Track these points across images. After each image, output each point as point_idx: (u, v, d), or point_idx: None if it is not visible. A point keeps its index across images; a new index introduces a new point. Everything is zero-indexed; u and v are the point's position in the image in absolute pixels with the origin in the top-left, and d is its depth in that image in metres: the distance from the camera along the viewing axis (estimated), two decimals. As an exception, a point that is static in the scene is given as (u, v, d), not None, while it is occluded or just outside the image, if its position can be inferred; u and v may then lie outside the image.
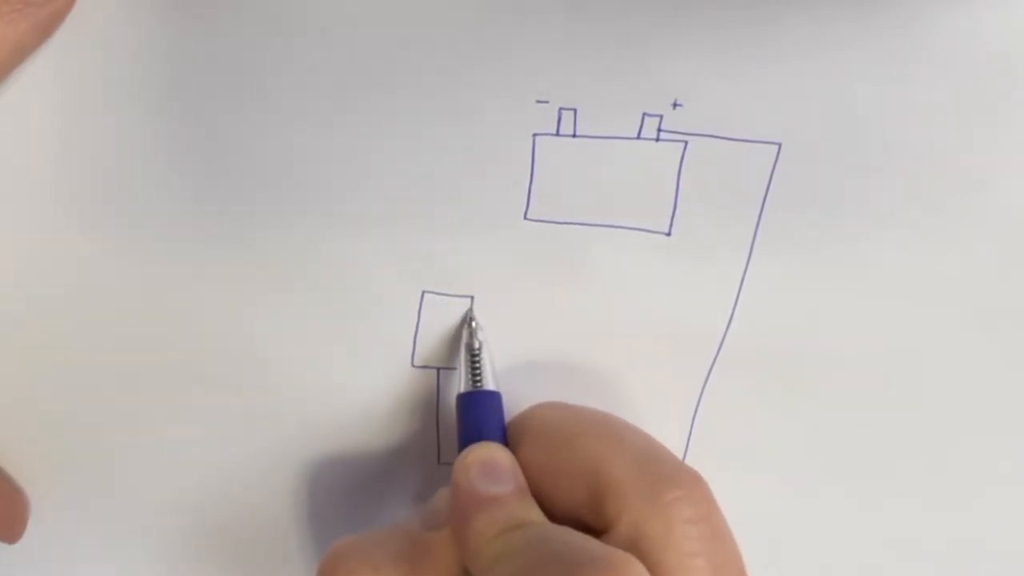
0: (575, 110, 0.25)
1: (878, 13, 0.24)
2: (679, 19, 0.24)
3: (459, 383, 0.26)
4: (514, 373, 0.28)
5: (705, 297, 0.27)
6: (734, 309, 0.27)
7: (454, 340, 0.27)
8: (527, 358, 0.28)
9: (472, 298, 0.27)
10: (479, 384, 0.26)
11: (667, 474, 0.23)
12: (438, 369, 0.28)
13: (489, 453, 0.24)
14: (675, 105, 0.25)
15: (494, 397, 0.26)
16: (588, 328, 0.27)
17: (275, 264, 0.26)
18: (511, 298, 0.27)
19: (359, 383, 0.28)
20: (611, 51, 0.24)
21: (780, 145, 0.25)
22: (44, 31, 0.23)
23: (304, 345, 0.27)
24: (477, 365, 0.26)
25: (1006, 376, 0.28)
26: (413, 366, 0.27)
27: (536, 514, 0.23)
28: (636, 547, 0.21)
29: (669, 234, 0.26)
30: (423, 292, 0.27)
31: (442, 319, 0.27)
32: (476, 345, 0.26)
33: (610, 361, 0.28)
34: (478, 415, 0.26)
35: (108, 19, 0.23)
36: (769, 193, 0.26)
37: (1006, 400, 0.29)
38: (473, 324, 0.27)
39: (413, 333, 0.27)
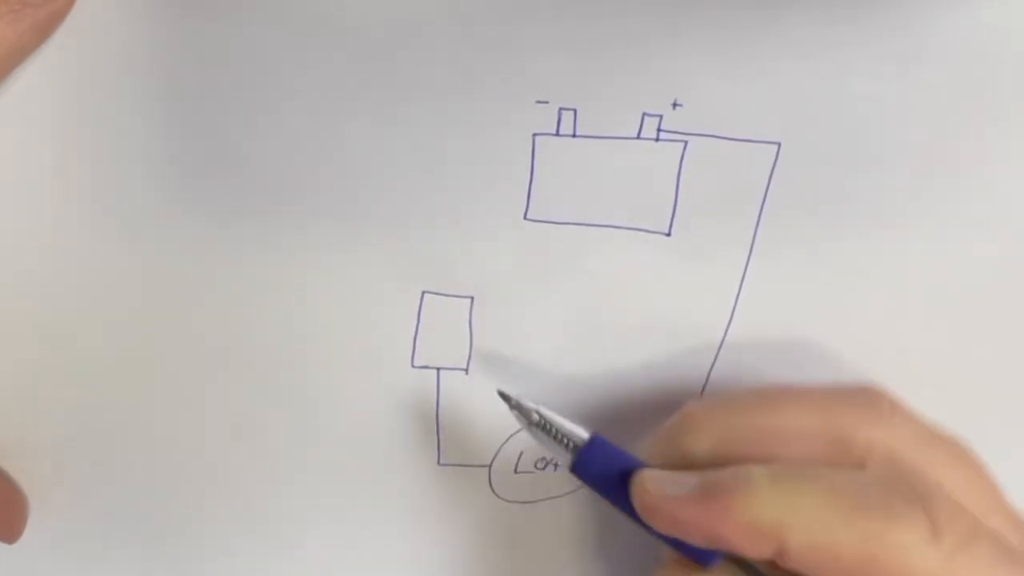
0: (575, 110, 0.25)
1: (878, 13, 0.24)
2: (679, 19, 0.24)
3: (561, 459, 0.25)
4: (514, 373, 0.28)
5: (705, 297, 0.27)
6: (734, 309, 0.27)
7: (455, 342, 0.27)
8: (527, 358, 0.28)
9: (472, 298, 0.27)
10: (572, 443, 0.24)
11: (865, 396, 0.24)
12: (438, 369, 0.28)
13: (653, 472, 0.24)
14: (675, 105, 0.25)
15: (595, 445, 0.24)
16: (588, 328, 0.27)
17: (275, 263, 0.26)
18: (511, 298, 0.27)
19: (359, 383, 0.28)
20: (611, 51, 0.24)
21: (780, 145, 0.25)
22: (44, 31, 0.23)
23: (304, 345, 0.27)
24: (552, 430, 0.25)
25: (1006, 376, 0.28)
26: (413, 366, 0.27)
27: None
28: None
29: (669, 234, 0.26)
30: (423, 292, 0.27)
31: (442, 319, 0.27)
32: (535, 417, 0.25)
33: (610, 361, 0.28)
34: (604, 464, 0.24)
35: (108, 19, 0.23)
36: (769, 193, 0.26)
37: (1006, 400, 0.29)
38: (513, 401, 0.25)
39: (413, 333, 0.27)
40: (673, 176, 0.26)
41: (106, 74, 0.24)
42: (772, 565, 0.22)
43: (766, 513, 0.21)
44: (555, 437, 0.25)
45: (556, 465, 0.29)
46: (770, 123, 0.25)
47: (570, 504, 0.30)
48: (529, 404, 0.25)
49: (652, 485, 0.23)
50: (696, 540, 0.22)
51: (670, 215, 0.26)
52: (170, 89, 0.24)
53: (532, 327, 0.27)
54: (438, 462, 0.29)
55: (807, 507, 0.21)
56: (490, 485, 0.29)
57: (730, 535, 0.22)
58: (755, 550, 0.22)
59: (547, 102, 0.24)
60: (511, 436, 0.29)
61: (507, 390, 0.26)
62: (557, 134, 0.25)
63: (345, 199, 0.25)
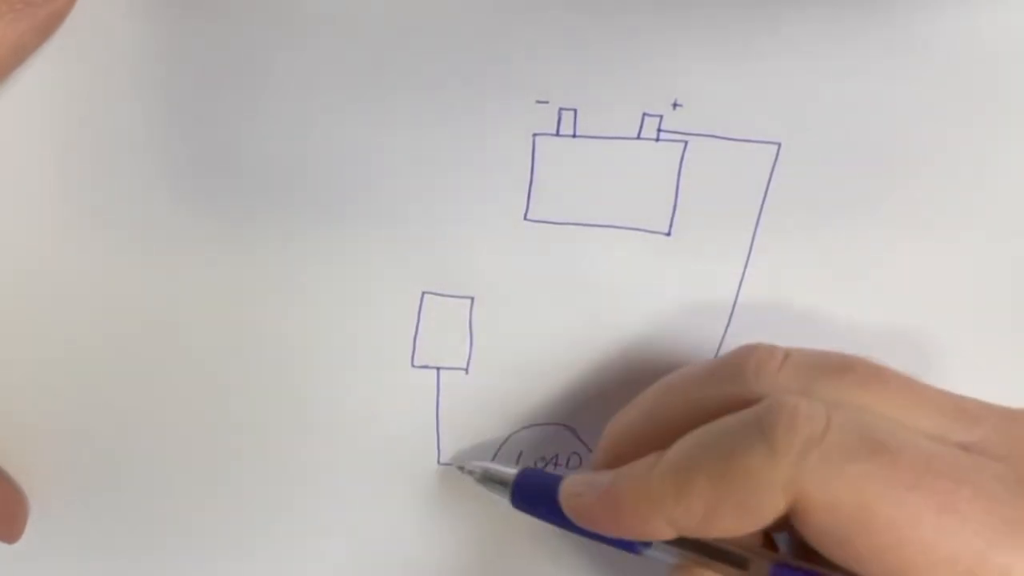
0: (575, 110, 0.25)
1: (877, 13, 0.24)
2: (679, 19, 0.24)
3: (502, 501, 0.26)
4: (514, 373, 0.28)
5: (705, 297, 0.27)
6: (733, 309, 0.27)
7: (455, 342, 0.27)
8: (527, 358, 0.28)
9: (472, 298, 0.27)
10: (504, 482, 0.26)
11: (733, 361, 0.23)
12: (438, 369, 0.28)
13: (575, 477, 0.25)
14: (675, 105, 0.25)
15: (524, 476, 0.26)
16: (588, 328, 0.27)
17: (275, 264, 0.26)
18: (511, 298, 0.27)
19: (359, 383, 0.28)
20: (611, 51, 0.24)
21: (780, 145, 0.25)
22: (44, 31, 0.23)
23: (304, 345, 0.27)
24: (494, 476, 0.27)
25: (1007, 376, 0.28)
26: (413, 366, 0.27)
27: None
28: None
29: (669, 234, 0.26)
30: (423, 292, 0.27)
31: (442, 319, 0.27)
32: (479, 473, 0.27)
33: (610, 361, 0.28)
34: (536, 490, 0.26)
35: (108, 19, 0.23)
36: (769, 193, 0.26)
37: (1006, 400, 0.29)
38: (463, 468, 0.28)
39: (413, 333, 0.27)
40: (673, 176, 0.26)
41: (106, 74, 0.24)
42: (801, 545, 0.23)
43: (644, 501, 0.22)
44: (497, 481, 0.27)
45: (556, 465, 0.29)
46: (770, 123, 0.25)
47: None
48: (474, 464, 0.27)
49: (570, 487, 0.24)
50: (611, 532, 0.23)
51: (670, 215, 0.26)
52: (170, 89, 0.24)
53: (532, 327, 0.27)
54: (438, 462, 0.29)
55: (673, 484, 0.22)
56: (490, 485, 0.29)
57: (625, 522, 0.23)
58: (653, 533, 0.22)
59: (547, 102, 0.24)
60: (511, 436, 0.29)
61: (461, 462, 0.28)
62: (557, 134, 0.25)
63: (345, 199, 0.25)
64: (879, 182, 0.26)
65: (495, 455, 0.29)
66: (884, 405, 0.22)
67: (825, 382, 0.22)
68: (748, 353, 0.23)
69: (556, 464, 0.29)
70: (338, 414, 0.28)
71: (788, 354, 0.23)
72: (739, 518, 0.21)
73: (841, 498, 0.19)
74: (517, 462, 0.29)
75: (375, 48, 0.24)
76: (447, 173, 0.25)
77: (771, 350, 0.23)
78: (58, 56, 0.23)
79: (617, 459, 0.24)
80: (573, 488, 0.24)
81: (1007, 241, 0.27)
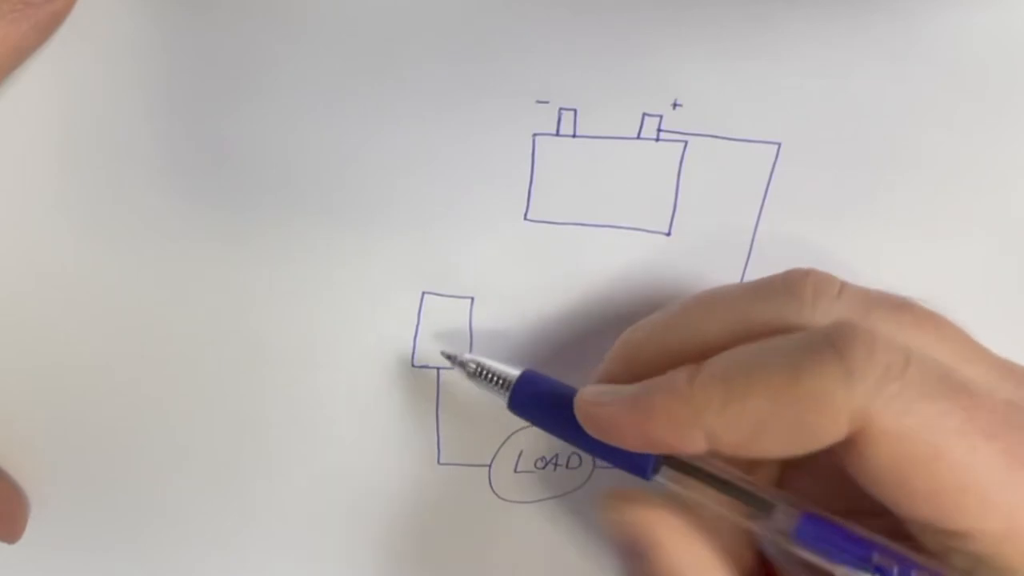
0: (575, 110, 0.25)
1: (877, 13, 0.24)
2: (679, 19, 0.24)
3: (499, 401, 0.26)
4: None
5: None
6: (734, 309, 0.27)
7: (455, 342, 0.27)
8: (527, 358, 0.28)
9: (472, 298, 0.27)
10: (505, 382, 0.25)
11: (789, 283, 0.22)
12: (438, 369, 0.28)
13: (592, 387, 0.24)
14: (675, 105, 0.25)
15: (525, 379, 0.25)
16: (588, 328, 0.27)
17: (275, 264, 0.26)
18: (511, 298, 0.27)
19: (359, 383, 0.28)
20: (611, 51, 0.24)
21: (780, 145, 0.25)
22: (44, 31, 0.23)
23: (304, 345, 0.27)
24: (487, 374, 0.26)
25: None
26: (413, 366, 0.27)
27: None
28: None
29: (669, 234, 0.26)
30: (423, 292, 0.27)
31: (442, 319, 0.27)
32: (473, 368, 0.26)
33: (610, 361, 0.28)
34: (536, 394, 0.25)
35: (108, 19, 0.23)
36: (768, 193, 0.26)
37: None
38: (456, 358, 0.26)
39: (413, 333, 0.27)
40: (673, 176, 0.26)
41: (106, 74, 0.24)
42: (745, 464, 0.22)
43: (683, 409, 0.21)
44: (492, 382, 0.25)
45: (556, 465, 0.29)
46: (770, 123, 0.25)
47: (570, 504, 0.30)
48: (467, 356, 0.26)
49: (591, 395, 0.23)
50: (632, 444, 0.22)
51: (670, 215, 0.26)
52: (170, 88, 0.24)
53: (532, 327, 0.27)
54: (438, 462, 0.29)
55: (720, 395, 0.21)
56: (490, 485, 0.29)
57: (656, 432, 0.22)
58: (685, 445, 0.21)
59: (547, 102, 0.24)
60: (511, 436, 0.29)
61: (451, 351, 0.27)
62: (557, 134, 0.25)
63: (345, 199, 0.25)
64: (879, 182, 0.26)
65: (495, 455, 0.29)
66: (938, 349, 0.21)
67: (884, 315, 0.21)
68: (803, 276, 0.22)
69: (556, 464, 0.29)
70: (338, 414, 0.28)
71: (844, 285, 0.22)
72: (790, 439, 0.20)
73: (914, 433, 0.19)
74: (517, 462, 0.29)
75: (376, 48, 0.24)
76: (447, 173, 0.25)
77: (829, 277, 0.22)
78: (58, 56, 0.23)
79: (630, 371, 0.23)
80: (594, 396, 0.23)
81: (1007, 240, 0.27)
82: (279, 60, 0.24)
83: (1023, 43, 0.24)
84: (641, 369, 0.23)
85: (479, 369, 0.26)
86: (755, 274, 0.27)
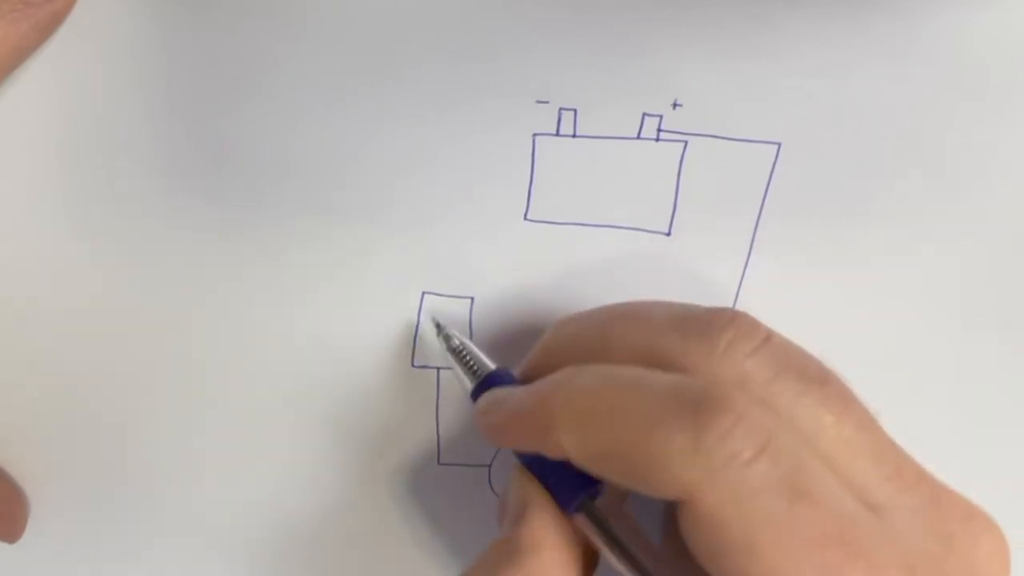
0: (575, 110, 0.25)
1: (877, 13, 0.24)
2: (679, 19, 0.24)
3: (464, 386, 0.26)
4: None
5: (705, 297, 0.27)
6: (733, 308, 0.27)
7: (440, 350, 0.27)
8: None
9: (472, 298, 0.27)
10: (480, 372, 0.25)
11: (708, 324, 0.22)
12: (438, 369, 0.28)
13: (497, 390, 0.24)
14: (675, 105, 0.25)
15: (497, 375, 0.25)
16: (588, 328, 0.27)
17: (275, 264, 0.26)
18: (511, 298, 0.27)
19: (359, 383, 0.28)
20: (611, 51, 0.24)
21: (780, 145, 0.25)
22: (44, 31, 0.23)
23: (304, 345, 0.27)
24: (468, 360, 0.26)
25: (1006, 377, 0.28)
26: (413, 366, 0.27)
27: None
28: None
29: (669, 234, 0.26)
30: (423, 292, 0.27)
31: (442, 319, 0.27)
32: (457, 344, 0.26)
33: (610, 361, 0.28)
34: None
35: (108, 19, 0.23)
36: (769, 193, 0.26)
37: (1006, 401, 0.29)
38: (442, 329, 0.26)
39: (413, 333, 0.27)
40: (673, 176, 0.26)
41: (106, 74, 0.24)
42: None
43: (542, 419, 0.22)
44: (468, 365, 0.26)
45: None
46: (770, 123, 0.25)
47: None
48: (454, 332, 0.26)
49: (483, 406, 0.24)
50: (509, 444, 0.23)
51: (670, 215, 0.26)
52: (170, 88, 0.24)
53: (532, 327, 0.27)
54: (438, 462, 0.29)
55: (577, 418, 0.21)
56: (490, 485, 0.29)
57: (519, 437, 0.23)
58: (547, 450, 0.22)
59: (547, 102, 0.24)
60: (511, 436, 0.29)
61: (443, 321, 0.27)
62: (557, 134, 0.25)
63: (345, 199, 0.25)
64: (879, 182, 0.26)
65: (495, 455, 0.29)
66: (831, 434, 0.21)
67: (790, 385, 0.21)
68: (726, 322, 0.22)
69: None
70: (338, 414, 0.28)
71: (768, 338, 0.22)
72: (629, 480, 0.20)
73: (734, 524, 0.19)
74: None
75: (376, 48, 0.24)
76: (447, 173, 0.25)
77: (752, 328, 0.22)
78: (58, 56, 0.23)
79: (549, 366, 0.23)
80: (483, 406, 0.24)
81: (1007, 241, 0.27)
82: (279, 60, 0.24)
83: (1023, 43, 0.24)
84: (557, 362, 0.23)
85: (461, 349, 0.26)
86: (755, 274, 0.27)
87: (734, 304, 0.27)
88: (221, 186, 0.25)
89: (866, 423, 0.21)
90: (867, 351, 0.28)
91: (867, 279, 0.27)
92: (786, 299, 0.27)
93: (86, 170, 0.25)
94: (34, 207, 0.25)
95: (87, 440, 0.28)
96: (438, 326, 0.27)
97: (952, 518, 0.20)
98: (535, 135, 0.25)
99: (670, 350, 0.22)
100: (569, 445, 0.21)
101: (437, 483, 0.29)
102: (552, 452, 0.22)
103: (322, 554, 0.30)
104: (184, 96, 0.24)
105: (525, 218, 0.26)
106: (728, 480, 0.19)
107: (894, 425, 0.29)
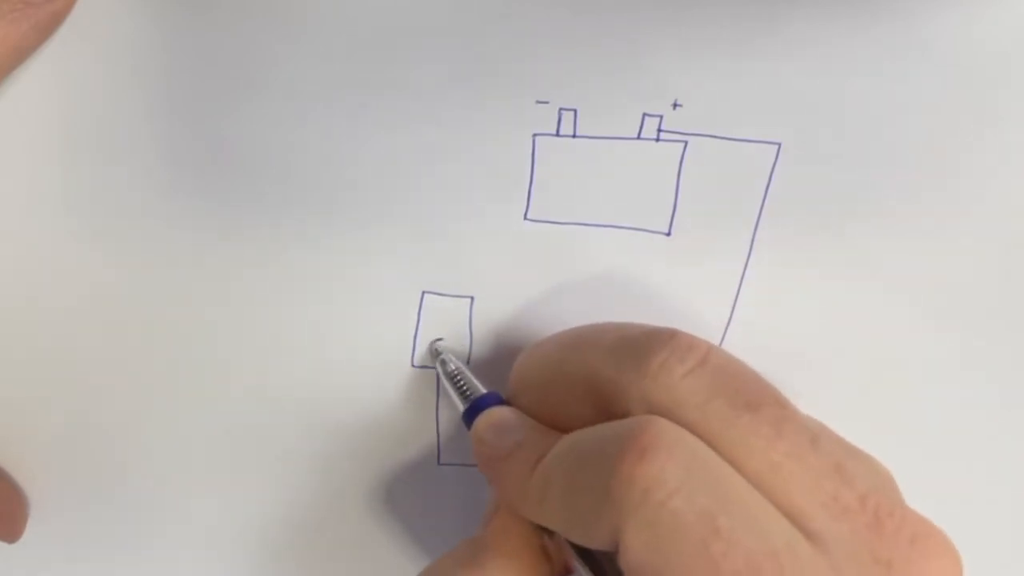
0: (575, 110, 0.25)
1: (877, 13, 0.24)
2: (679, 19, 0.24)
3: (457, 406, 0.26)
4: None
5: (705, 297, 0.27)
6: (733, 309, 0.27)
7: (455, 342, 0.27)
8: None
9: (472, 298, 0.27)
10: (471, 395, 0.26)
11: (643, 346, 0.22)
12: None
13: (493, 414, 0.25)
14: (675, 105, 0.25)
15: (490, 397, 0.26)
16: (588, 328, 0.27)
17: (275, 264, 0.26)
18: (511, 298, 0.27)
19: (359, 383, 0.28)
20: (611, 51, 0.24)
21: (780, 145, 0.25)
22: (44, 31, 0.23)
23: (304, 345, 0.27)
24: (461, 383, 0.26)
25: (1006, 377, 0.28)
26: (413, 366, 0.27)
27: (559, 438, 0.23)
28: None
29: (669, 234, 0.26)
30: (423, 292, 0.27)
31: (442, 319, 0.27)
32: (452, 368, 0.26)
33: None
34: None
35: (108, 19, 0.23)
36: (769, 193, 0.26)
37: (1006, 401, 0.29)
38: (440, 353, 0.27)
39: (413, 333, 0.27)
40: (673, 176, 0.26)
41: (106, 74, 0.24)
42: None
43: (519, 495, 0.23)
44: (460, 389, 0.26)
45: None
46: (770, 123, 0.25)
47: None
48: (451, 358, 0.27)
49: (476, 435, 0.25)
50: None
51: (670, 215, 0.26)
52: (170, 88, 0.24)
53: (532, 327, 0.27)
54: (438, 462, 0.29)
55: (542, 493, 0.22)
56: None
57: (511, 506, 0.23)
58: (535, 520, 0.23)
59: (547, 102, 0.24)
60: (511, 436, 0.29)
61: (440, 346, 0.27)
62: (557, 134, 0.25)
63: (344, 199, 0.25)
64: (879, 182, 0.26)
65: (495, 455, 0.29)
66: (760, 460, 0.20)
67: (722, 410, 0.21)
68: (662, 343, 0.21)
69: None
70: (338, 414, 0.28)
71: (704, 359, 0.21)
72: (584, 540, 0.21)
73: (651, 565, 0.19)
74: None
75: (376, 48, 0.24)
76: (447, 173, 0.25)
77: (687, 350, 0.21)
78: (58, 56, 0.24)
79: (521, 392, 0.25)
80: (481, 432, 0.24)
81: (1007, 241, 0.27)
82: (279, 60, 0.24)
83: (1023, 43, 0.24)
84: (531, 394, 0.25)
85: (456, 374, 0.26)
86: (755, 274, 0.27)
87: (734, 304, 0.27)
88: (221, 186, 0.25)
89: (800, 448, 0.20)
90: (867, 351, 0.28)
91: (867, 279, 0.27)
92: (786, 299, 0.27)
93: (86, 170, 0.25)
94: (34, 207, 0.25)
95: (87, 440, 0.28)
96: (436, 352, 0.27)
97: (894, 543, 0.20)
98: (535, 135, 0.25)
99: (606, 375, 0.22)
100: (543, 520, 0.22)
101: (437, 483, 0.29)
102: (534, 519, 0.23)
103: (322, 554, 0.30)
104: (184, 96, 0.24)
105: (525, 218, 0.26)
106: (642, 522, 0.19)
107: (894, 425, 0.29)
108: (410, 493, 0.29)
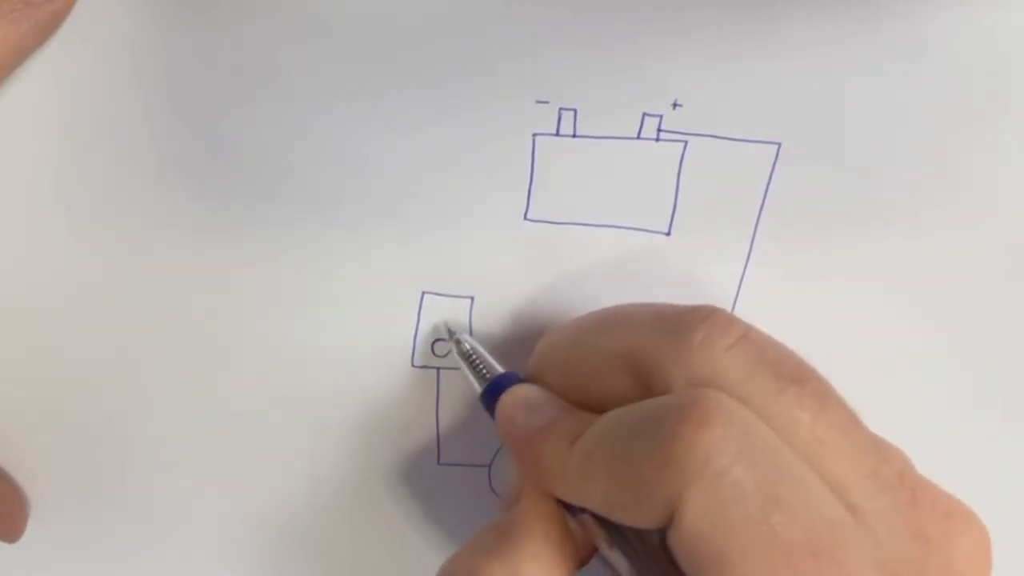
0: (575, 110, 0.25)
1: (879, 13, 0.24)
2: (679, 19, 0.24)
3: (473, 387, 0.26)
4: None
5: (704, 297, 0.27)
6: (733, 308, 0.27)
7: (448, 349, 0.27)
8: (527, 358, 0.28)
9: (472, 298, 0.27)
10: (489, 375, 0.25)
11: (684, 322, 0.21)
12: (438, 369, 0.28)
13: (520, 391, 0.24)
14: (675, 105, 0.25)
15: (510, 376, 0.25)
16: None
17: (275, 264, 0.26)
18: (511, 298, 0.27)
19: (359, 383, 0.28)
20: (611, 51, 0.24)
21: (780, 145, 0.25)
22: (44, 31, 0.23)
23: (304, 345, 0.27)
24: (478, 363, 0.26)
25: (1006, 377, 0.28)
26: (413, 366, 0.27)
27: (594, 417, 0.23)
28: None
29: (669, 234, 0.26)
30: (423, 292, 0.27)
31: (442, 319, 0.27)
32: (467, 348, 0.26)
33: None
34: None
35: (108, 19, 0.23)
36: (768, 193, 0.26)
37: (1006, 401, 0.29)
38: (454, 333, 0.26)
39: (413, 333, 0.27)
40: (673, 176, 0.26)
41: (106, 74, 0.24)
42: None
43: (559, 475, 0.22)
44: (477, 369, 0.25)
45: None
46: (770, 123, 0.25)
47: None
48: (465, 337, 0.26)
49: (505, 412, 0.24)
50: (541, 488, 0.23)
51: (670, 215, 0.26)
52: (170, 88, 0.24)
53: (532, 327, 0.27)
54: (438, 462, 0.29)
55: (584, 470, 0.21)
56: (490, 485, 0.29)
57: (547, 487, 0.23)
58: (571, 501, 0.22)
59: (547, 102, 0.24)
60: (511, 436, 0.29)
61: (454, 325, 0.27)
62: (557, 134, 0.25)
63: (345, 199, 0.25)
64: (879, 182, 0.26)
65: (495, 455, 0.29)
66: (807, 434, 0.20)
67: (766, 383, 0.21)
68: (702, 319, 0.21)
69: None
70: (338, 414, 0.28)
71: (745, 334, 0.21)
72: (630, 516, 0.20)
73: (712, 535, 0.19)
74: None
75: (376, 48, 0.24)
76: (447, 173, 0.25)
77: (728, 324, 0.21)
78: (58, 56, 0.23)
79: (545, 371, 0.24)
80: (510, 411, 0.24)
81: (1007, 241, 0.27)
82: (279, 60, 0.24)
83: (1023, 43, 0.24)
84: (558, 373, 0.24)
85: (471, 353, 0.26)
86: (755, 274, 0.27)
87: (734, 304, 0.27)
88: (221, 186, 0.25)
89: (844, 423, 0.21)
90: (867, 351, 0.28)
91: (867, 279, 0.27)
92: (786, 299, 0.27)
93: (86, 170, 0.25)
94: (34, 207, 0.25)
95: (87, 440, 0.28)
96: (449, 331, 0.27)
97: (930, 518, 0.20)
98: (535, 135, 0.25)
99: (646, 350, 0.22)
100: (584, 499, 0.21)
101: (437, 483, 0.29)
102: (571, 500, 0.22)
103: (322, 554, 0.30)
104: (184, 96, 0.24)
105: (525, 218, 0.26)
106: (703, 489, 0.19)
107: (894, 425, 0.29)
108: (410, 493, 0.29)
